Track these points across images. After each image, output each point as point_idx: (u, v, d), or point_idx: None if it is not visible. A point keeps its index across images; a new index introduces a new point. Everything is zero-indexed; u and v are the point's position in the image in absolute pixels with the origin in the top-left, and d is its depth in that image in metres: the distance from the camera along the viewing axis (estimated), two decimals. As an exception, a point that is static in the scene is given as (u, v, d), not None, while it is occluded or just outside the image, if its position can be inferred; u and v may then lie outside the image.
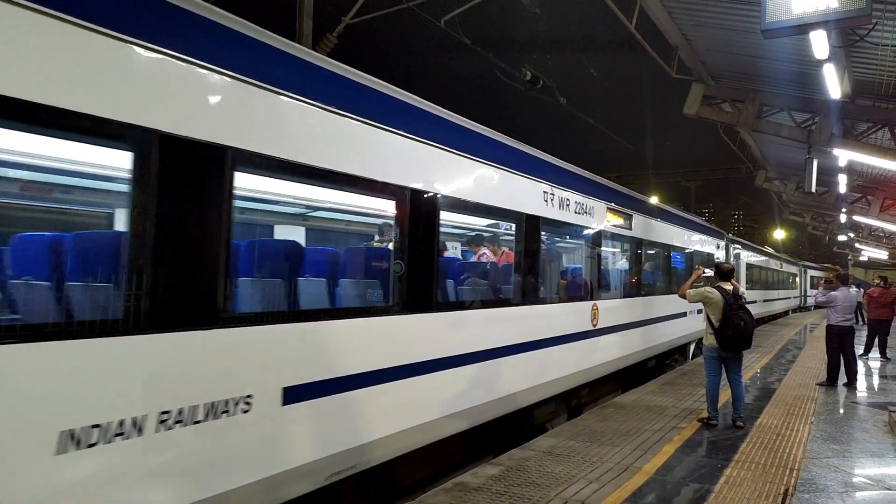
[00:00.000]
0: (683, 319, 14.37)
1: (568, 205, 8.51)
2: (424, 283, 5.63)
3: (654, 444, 7.05)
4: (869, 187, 22.01)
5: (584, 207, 9.08)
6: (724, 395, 8.43)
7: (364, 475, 5.08)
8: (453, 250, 8.73)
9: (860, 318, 21.98)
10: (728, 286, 7.99)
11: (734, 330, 7.69)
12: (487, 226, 8.26)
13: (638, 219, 11.48)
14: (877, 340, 15.37)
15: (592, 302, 9.29)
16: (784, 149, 18.62)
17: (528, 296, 7.49)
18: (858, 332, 12.92)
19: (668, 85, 15.03)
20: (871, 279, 26.77)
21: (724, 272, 8.20)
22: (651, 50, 12.47)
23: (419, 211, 5.54)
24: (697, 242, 16.31)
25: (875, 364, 14.56)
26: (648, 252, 12.59)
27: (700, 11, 11.01)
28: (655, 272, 13.20)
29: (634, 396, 9.85)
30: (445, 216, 6.19)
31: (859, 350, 14.01)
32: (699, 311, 14.74)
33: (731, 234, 23.92)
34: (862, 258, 50.87)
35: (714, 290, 7.96)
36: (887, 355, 15.26)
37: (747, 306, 8.08)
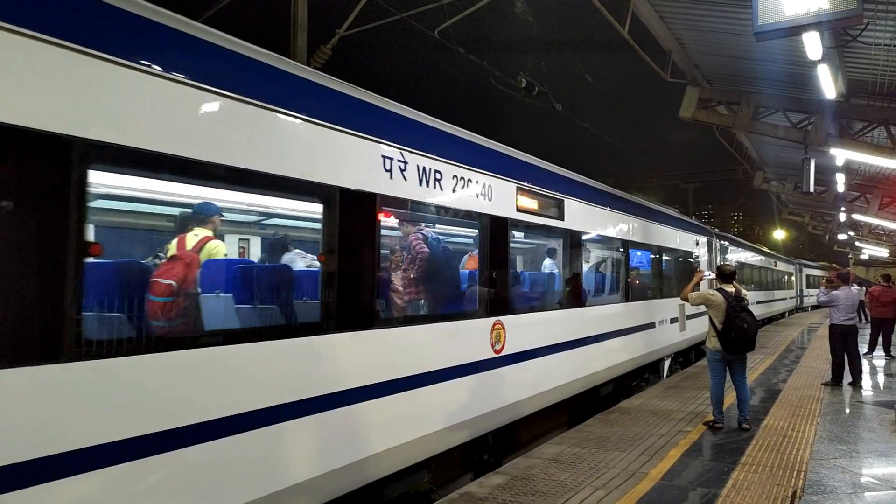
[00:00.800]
0: (650, 332, 11.96)
1: (438, 180, 6.02)
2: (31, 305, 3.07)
3: (660, 448, 7.01)
4: (867, 185, 22.00)
5: (473, 185, 6.56)
6: (729, 397, 8.40)
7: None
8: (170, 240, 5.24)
9: (863, 317, 21.95)
10: (730, 288, 7.99)
11: (737, 332, 7.68)
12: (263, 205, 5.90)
13: (573, 206, 8.83)
14: (881, 339, 15.34)
15: (494, 319, 6.80)
16: (781, 149, 18.63)
17: (365, 315, 5.04)
18: (862, 331, 12.89)
19: (663, 89, 15.07)
20: (875, 278, 26.72)
21: (727, 274, 8.21)
22: (644, 55, 12.51)
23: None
24: (670, 238, 13.82)
25: (879, 362, 14.51)
26: (592, 250, 10.15)
27: (692, 15, 11.05)
28: (605, 275, 10.82)
29: (639, 401, 9.81)
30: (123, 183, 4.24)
31: (863, 349, 13.98)
32: (672, 321, 13.42)
33: (717, 230, 21.61)
34: (863, 256, 50.86)
35: (716, 292, 7.96)
36: (892, 353, 15.21)
37: (750, 308, 8.07)
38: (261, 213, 6.70)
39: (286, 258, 6.37)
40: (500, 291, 7.00)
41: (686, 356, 15.44)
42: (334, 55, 10.58)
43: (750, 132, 16.21)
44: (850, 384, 11.04)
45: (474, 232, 7.12)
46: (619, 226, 10.90)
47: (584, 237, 9.44)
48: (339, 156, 4.90)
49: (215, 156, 3.91)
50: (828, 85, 10.09)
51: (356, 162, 5.07)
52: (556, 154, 9.91)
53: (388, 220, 5.85)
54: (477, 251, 7.07)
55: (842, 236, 37.82)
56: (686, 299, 8.39)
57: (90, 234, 3.37)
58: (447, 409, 5.96)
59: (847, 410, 9.22)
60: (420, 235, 6.50)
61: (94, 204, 3.49)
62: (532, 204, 7.78)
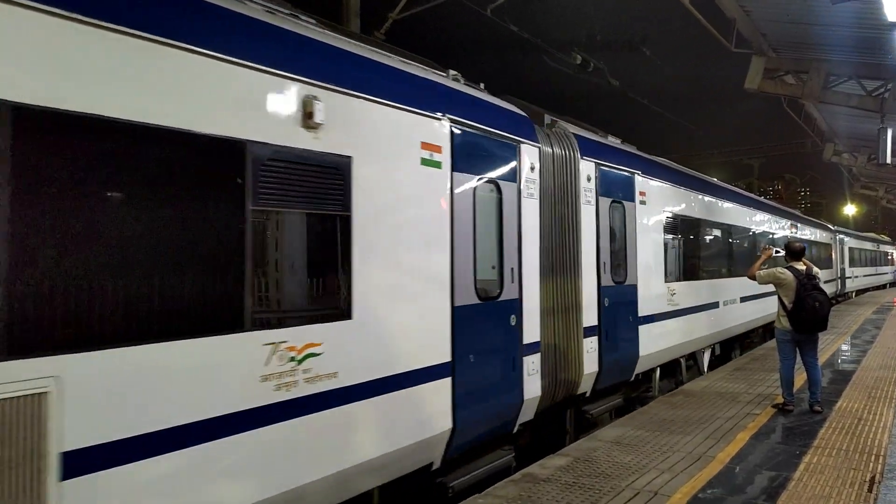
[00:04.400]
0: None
1: None
2: None
3: (727, 431, 6.83)
4: (950, 155, 20.74)
5: None
6: (800, 379, 8.11)
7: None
8: None
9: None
10: (800, 265, 7.67)
11: (809, 311, 7.37)
12: None
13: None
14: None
15: None
16: (854, 119, 17.76)
17: None
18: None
19: (726, 60, 14.49)
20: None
21: (795, 251, 7.89)
22: (708, 24, 12.05)
23: None
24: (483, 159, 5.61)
25: (964, 342, 13.73)
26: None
27: (758, -20, 10.58)
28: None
29: (705, 383, 9.58)
30: None
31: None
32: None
33: (636, 149, 9.78)
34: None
35: (786, 270, 7.66)
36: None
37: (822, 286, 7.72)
38: None
39: None
40: None
41: None
42: (387, 39, 10.61)
43: (820, 102, 15.46)
44: (931, 365, 10.50)
45: None
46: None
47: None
48: None
49: None
50: (907, 48, 9.52)
51: None
52: (613, 131, 9.53)
53: None
54: None
55: (920, 210, 35.81)
56: (753, 278, 8.11)
57: None
58: None
59: (929, 393, 8.76)
60: None
61: None
62: None
